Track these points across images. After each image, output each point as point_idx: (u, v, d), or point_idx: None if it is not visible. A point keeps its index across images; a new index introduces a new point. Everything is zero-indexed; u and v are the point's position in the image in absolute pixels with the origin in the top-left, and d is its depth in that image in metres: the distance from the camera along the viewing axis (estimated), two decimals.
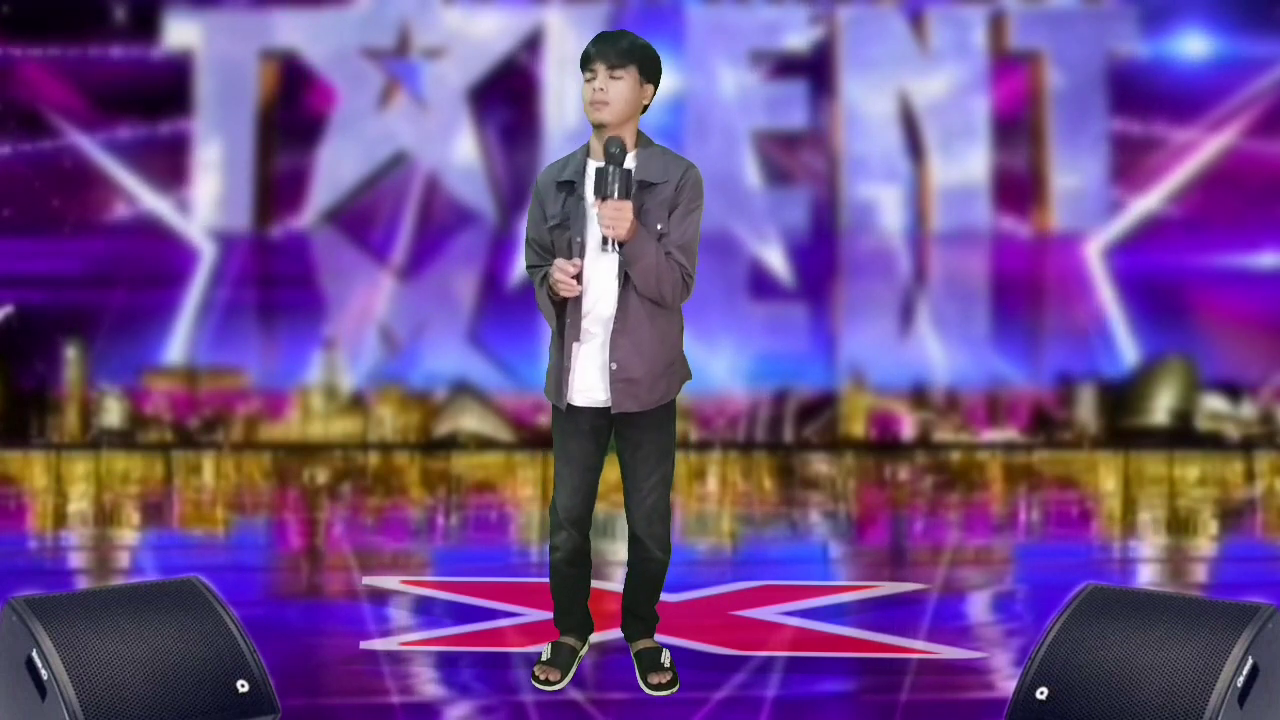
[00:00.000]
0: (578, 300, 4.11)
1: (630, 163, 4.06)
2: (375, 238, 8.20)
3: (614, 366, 4.10)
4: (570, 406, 4.18)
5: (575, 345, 4.14)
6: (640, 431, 4.19)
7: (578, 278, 4.07)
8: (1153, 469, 7.69)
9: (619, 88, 4.05)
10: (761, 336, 8.09)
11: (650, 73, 4.12)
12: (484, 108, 8.22)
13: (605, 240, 3.98)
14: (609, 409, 4.15)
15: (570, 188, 4.13)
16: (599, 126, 4.07)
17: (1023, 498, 7.35)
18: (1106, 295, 8.12)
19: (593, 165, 4.09)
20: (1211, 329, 8.09)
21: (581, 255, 4.10)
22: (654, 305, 4.11)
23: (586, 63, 4.08)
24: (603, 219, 3.95)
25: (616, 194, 3.94)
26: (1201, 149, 8.05)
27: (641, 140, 4.14)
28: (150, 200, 8.17)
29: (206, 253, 8.19)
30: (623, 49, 4.06)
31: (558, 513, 4.27)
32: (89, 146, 8.13)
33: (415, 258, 8.20)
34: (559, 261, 4.09)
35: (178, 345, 8.15)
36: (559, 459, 4.26)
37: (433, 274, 8.20)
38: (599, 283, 4.11)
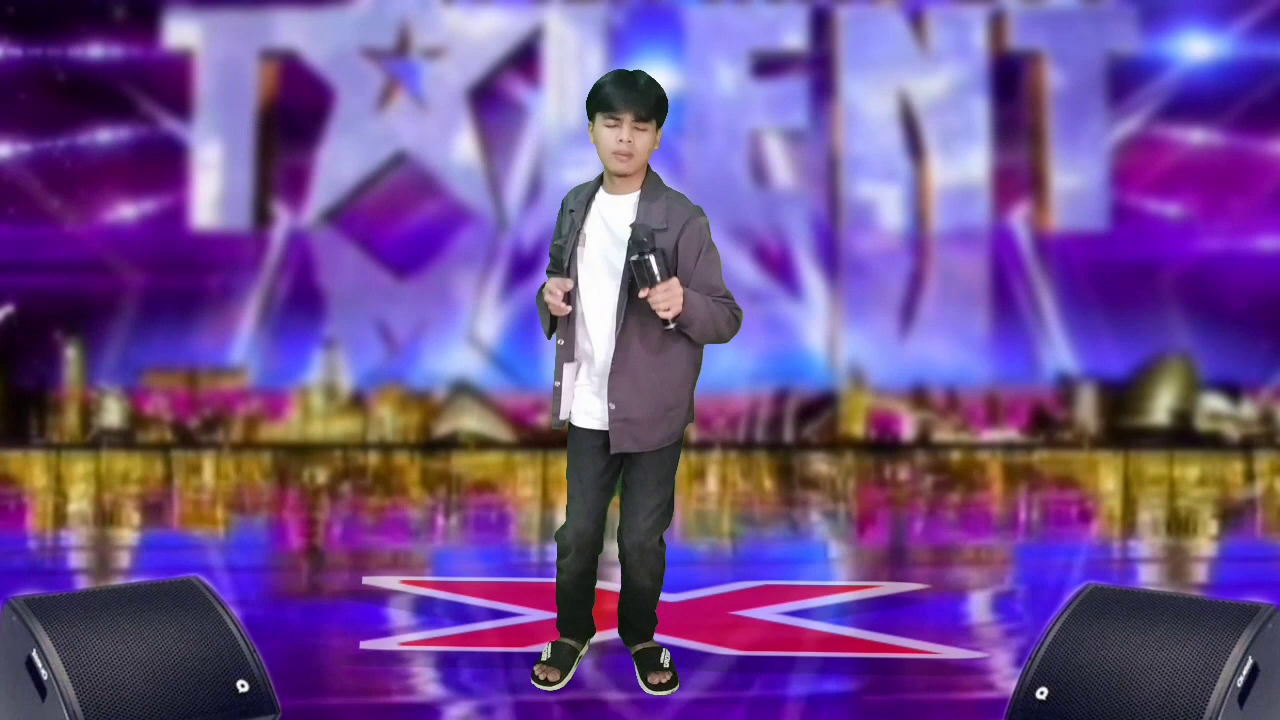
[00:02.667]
0: (570, 322, 4.13)
1: (631, 207, 4.06)
2: (375, 237, 8.20)
3: (612, 407, 4.10)
4: (579, 426, 4.19)
5: (567, 366, 4.16)
6: (643, 453, 4.20)
7: (568, 298, 4.09)
8: (1153, 469, 7.69)
9: (644, 140, 4.07)
10: (761, 336, 8.09)
11: (663, 120, 4.16)
12: (484, 107, 8.22)
13: (666, 323, 3.99)
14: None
15: (573, 217, 4.15)
16: (619, 175, 4.09)
17: (1023, 498, 7.35)
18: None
19: (602, 196, 4.14)
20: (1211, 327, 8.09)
21: (574, 277, 4.12)
22: (653, 351, 4.10)
23: (609, 107, 4.05)
24: (658, 306, 3.95)
25: (659, 277, 3.94)
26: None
27: (648, 183, 4.14)
28: (148, 201, 8.17)
29: (204, 254, 8.19)
30: (651, 103, 4.07)
31: (566, 538, 4.25)
32: (89, 146, 8.12)
33: (415, 258, 8.20)
34: (554, 281, 4.11)
35: (176, 345, 8.15)
36: (571, 477, 4.25)
37: (433, 274, 8.19)
38: (597, 318, 4.12)
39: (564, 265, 4.14)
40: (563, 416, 4.19)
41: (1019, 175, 8.20)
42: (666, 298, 3.94)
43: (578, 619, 4.43)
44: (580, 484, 4.22)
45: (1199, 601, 3.77)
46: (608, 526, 4.36)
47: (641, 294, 3.98)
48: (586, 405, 4.16)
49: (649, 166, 4.17)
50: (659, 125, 4.13)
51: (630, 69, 4.22)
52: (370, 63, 8.20)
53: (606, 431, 4.15)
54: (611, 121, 4.06)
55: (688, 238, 4.07)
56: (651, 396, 4.10)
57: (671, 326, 4.00)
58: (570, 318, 4.14)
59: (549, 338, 4.24)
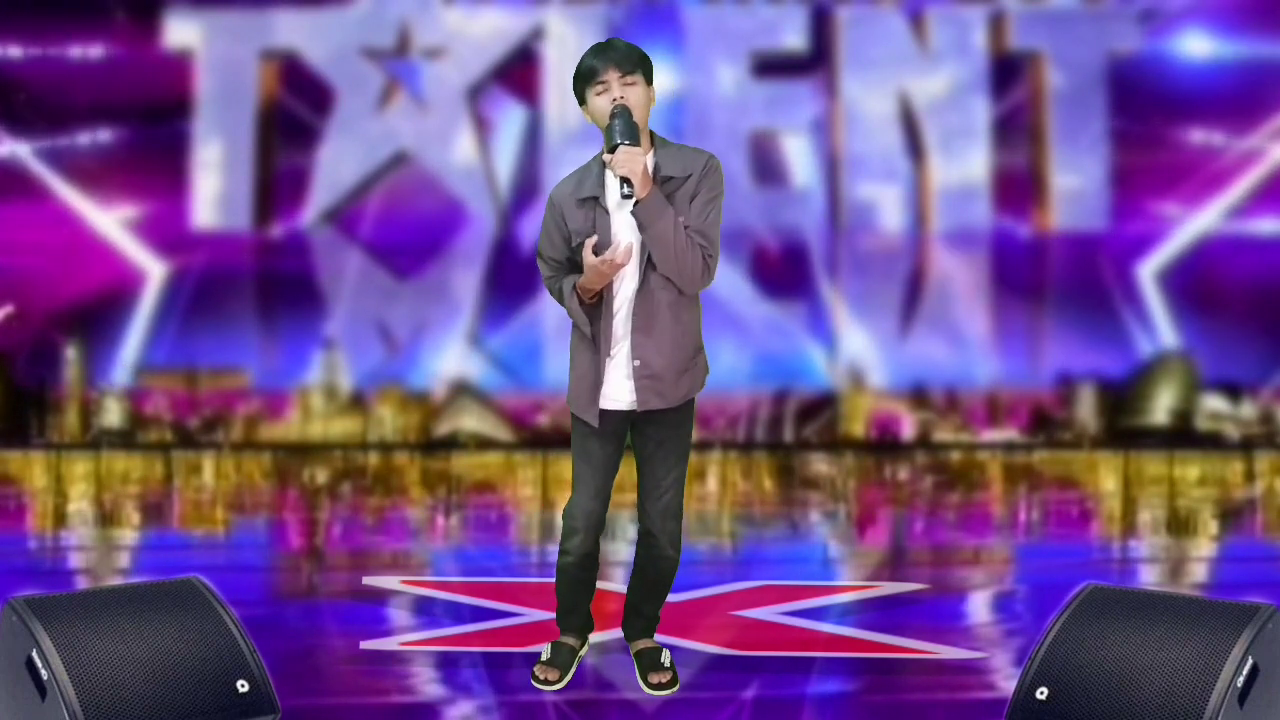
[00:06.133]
0: (609, 310, 4.10)
1: (650, 162, 4.06)
2: (375, 237, 8.20)
3: (637, 364, 4.10)
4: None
5: (607, 360, 4.14)
6: (662, 429, 4.19)
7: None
8: (1153, 469, 7.69)
9: (635, 92, 4.05)
10: (761, 336, 8.09)
11: (650, 76, 4.13)
12: (484, 107, 8.23)
13: (622, 184, 3.96)
14: (630, 410, 4.15)
15: (594, 203, 4.11)
16: None
17: (1023, 498, 7.35)
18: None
19: (610, 175, 4.08)
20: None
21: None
22: (673, 299, 4.09)
23: (593, 76, 4.05)
24: (617, 164, 3.94)
25: (621, 138, 3.95)
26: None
27: (657, 139, 4.14)
28: (150, 202, 8.18)
29: (204, 254, 8.19)
30: (632, 57, 4.06)
31: (575, 517, 4.24)
32: (89, 147, 8.13)
33: (415, 258, 8.20)
34: (598, 261, 4.03)
35: (175, 346, 8.15)
36: (580, 460, 4.24)
37: (433, 274, 8.19)
38: (623, 288, 4.11)
39: (593, 251, 4.08)
40: (604, 405, 4.17)
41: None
42: (625, 159, 3.93)
43: (578, 609, 4.42)
44: (589, 466, 4.22)
45: (1199, 601, 3.77)
46: (612, 526, 4.36)
47: (605, 155, 4.01)
48: (609, 389, 4.16)
49: (653, 134, 4.14)
50: (648, 81, 4.10)
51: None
52: (370, 63, 8.20)
53: (619, 413, 4.16)
54: (600, 87, 4.05)
55: (706, 174, 4.09)
56: (672, 350, 4.11)
57: (627, 192, 3.95)
58: (605, 307, 4.10)
59: (588, 332, 4.15)
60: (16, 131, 8.11)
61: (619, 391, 4.15)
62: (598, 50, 4.09)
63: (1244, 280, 8.09)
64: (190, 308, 8.12)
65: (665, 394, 4.13)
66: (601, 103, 4.05)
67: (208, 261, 8.16)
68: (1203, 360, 8.09)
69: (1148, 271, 8.12)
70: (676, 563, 4.35)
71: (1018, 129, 8.21)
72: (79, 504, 7.10)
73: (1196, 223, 8.09)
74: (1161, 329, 8.11)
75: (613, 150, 3.96)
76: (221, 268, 8.17)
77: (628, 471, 4.30)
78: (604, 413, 4.17)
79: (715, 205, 4.10)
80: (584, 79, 4.08)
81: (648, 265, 4.06)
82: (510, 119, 8.24)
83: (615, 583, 5.14)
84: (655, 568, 4.35)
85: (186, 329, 8.12)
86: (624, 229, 4.09)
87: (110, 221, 8.14)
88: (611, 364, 4.14)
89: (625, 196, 3.96)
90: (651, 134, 4.13)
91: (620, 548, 5.67)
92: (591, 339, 4.14)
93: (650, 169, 4.04)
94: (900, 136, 8.21)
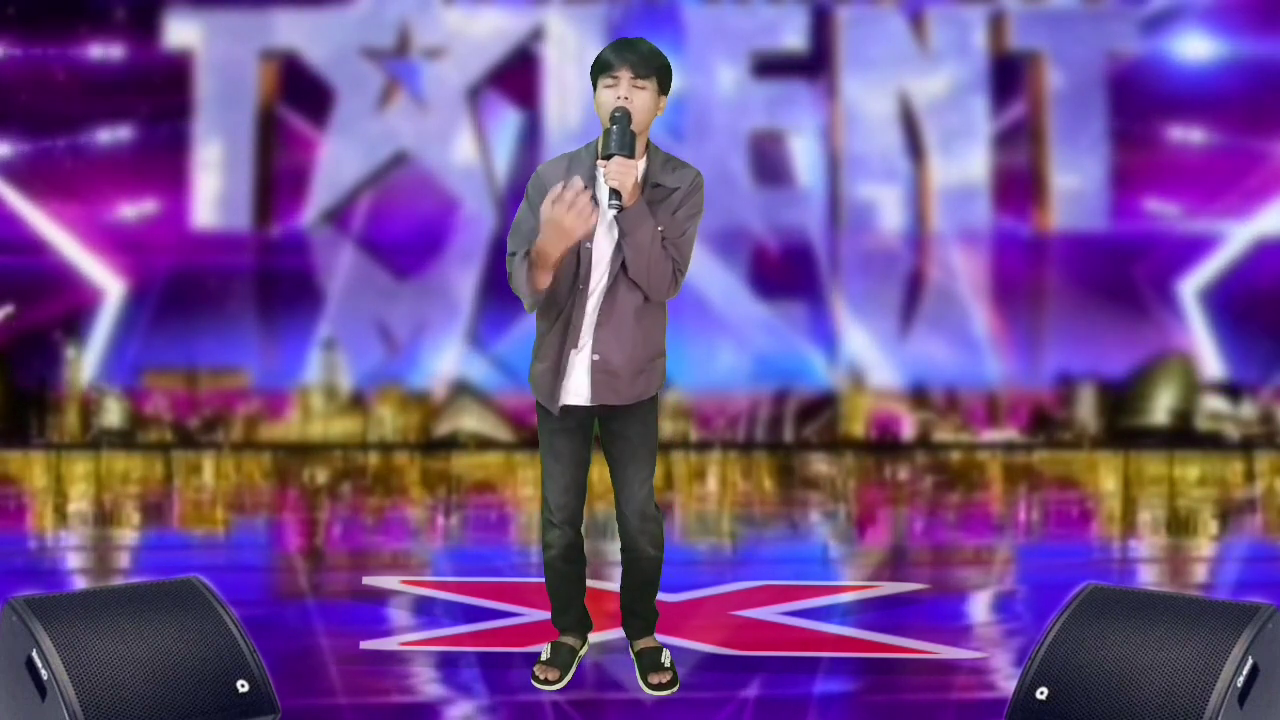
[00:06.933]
0: (581, 306, 4.10)
1: (642, 167, 4.06)
2: (375, 237, 8.20)
3: (596, 358, 4.12)
4: (563, 405, 4.19)
5: (573, 353, 4.14)
6: (628, 425, 4.21)
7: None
8: (1153, 469, 7.69)
9: (643, 97, 4.04)
10: (761, 336, 8.09)
11: (666, 85, 4.13)
12: (484, 107, 8.23)
13: (611, 194, 3.96)
14: (590, 406, 4.17)
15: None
16: None
17: (1023, 498, 7.35)
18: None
19: (602, 170, 4.07)
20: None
21: (589, 263, 4.10)
22: (639, 303, 4.11)
23: (606, 69, 4.05)
24: (609, 174, 3.94)
25: (617, 149, 3.94)
26: None
27: (651, 146, 4.14)
28: (150, 201, 8.17)
29: (204, 253, 8.18)
30: (648, 58, 4.05)
31: (550, 511, 4.29)
32: (88, 146, 8.12)
33: (415, 258, 8.20)
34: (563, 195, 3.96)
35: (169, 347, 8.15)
36: (547, 456, 4.27)
37: (433, 274, 8.19)
38: (595, 285, 4.11)
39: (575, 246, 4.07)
40: (565, 400, 4.18)
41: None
42: (619, 171, 3.94)
43: (572, 606, 4.43)
44: (558, 463, 4.25)
45: (1199, 601, 3.77)
46: (610, 525, 4.36)
47: (599, 161, 4.01)
48: (572, 383, 4.16)
49: (650, 141, 4.13)
50: (661, 89, 4.10)
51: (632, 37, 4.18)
52: (370, 63, 8.20)
53: (580, 408, 4.18)
54: (610, 81, 4.05)
55: (691, 191, 4.10)
56: (632, 349, 4.13)
57: (614, 203, 3.95)
58: (577, 301, 4.11)
59: (532, 288, 4.09)
60: (16, 131, 8.11)
61: (580, 386, 4.17)
62: (619, 45, 4.10)
63: (1244, 281, 8.09)
64: (190, 307, 8.12)
65: (620, 391, 4.15)
66: (606, 97, 4.05)
67: (207, 261, 8.16)
68: (1202, 360, 8.09)
69: (1153, 273, 8.12)
70: (660, 561, 4.37)
71: (1018, 130, 8.21)
72: (79, 504, 7.09)
73: (1245, 232, 8.07)
74: (1165, 330, 8.11)
75: (607, 158, 3.97)
76: (221, 267, 8.17)
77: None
78: (566, 407, 4.19)
79: (694, 222, 4.13)
80: (597, 70, 4.09)
81: (620, 268, 4.07)
82: (509, 119, 8.24)
83: (613, 582, 5.13)
84: (639, 569, 4.37)
85: (186, 329, 8.12)
86: (602, 236, 4.09)
87: (109, 220, 8.14)
88: (576, 356, 4.15)
89: (611, 206, 3.97)
90: (649, 142, 4.13)
91: (618, 547, 5.66)
92: (553, 332, 4.14)
93: (641, 174, 4.04)
94: (900, 136, 8.21)
